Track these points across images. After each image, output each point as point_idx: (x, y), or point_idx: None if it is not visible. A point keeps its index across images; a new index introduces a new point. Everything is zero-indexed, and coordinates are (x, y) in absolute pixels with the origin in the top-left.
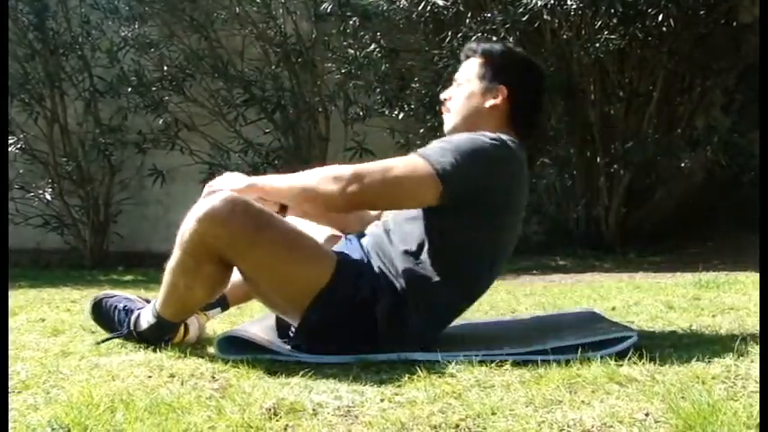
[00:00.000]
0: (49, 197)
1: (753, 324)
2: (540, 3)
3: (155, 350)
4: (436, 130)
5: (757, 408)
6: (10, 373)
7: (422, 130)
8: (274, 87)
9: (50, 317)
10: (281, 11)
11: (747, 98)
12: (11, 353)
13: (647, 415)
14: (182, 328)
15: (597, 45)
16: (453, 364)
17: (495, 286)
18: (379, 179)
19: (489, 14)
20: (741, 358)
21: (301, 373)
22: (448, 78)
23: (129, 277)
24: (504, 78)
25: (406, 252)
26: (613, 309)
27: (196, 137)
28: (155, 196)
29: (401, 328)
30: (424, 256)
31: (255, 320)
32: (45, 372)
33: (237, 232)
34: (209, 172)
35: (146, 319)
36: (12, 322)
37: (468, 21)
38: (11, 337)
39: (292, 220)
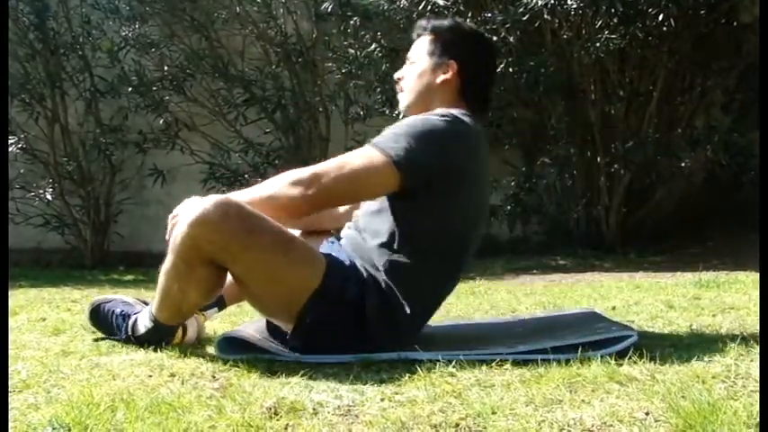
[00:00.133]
0: (49, 197)
1: (753, 323)
2: (540, 2)
3: (155, 350)
4: None
5: (757, 407)
6: (10, 372)
7: None
8: (275, 87)
9: (51, 316)
10: (281, 11)
11: (747, 98)
12: (11, 352)
13: (647, 414)
14: (180, 330)
15: (597, 45)
16: (453, 363)
17: (496, 286)
18: (337, 177)
19: (489, 14)
20: (741, 357)
21: (302, 372)
22: None
23: (129, 277)
24: (453, 53)
25: (381, 245)
26: (614, 308)
27: (196, 137)
28: (155, 196)
29: (393, 323)
30: (398, 245)
31: (255, 321)
32: (46, 371)
33: (230, 236)
34: (209, 172)
35: (143, 323)
36: (12, 322)
37: (468, 20)
38: (11, 337)
39: None
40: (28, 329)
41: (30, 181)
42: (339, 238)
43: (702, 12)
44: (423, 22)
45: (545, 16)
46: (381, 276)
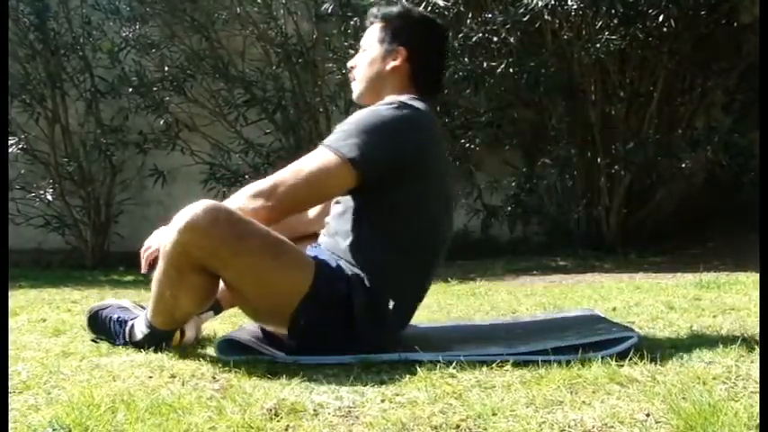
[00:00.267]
0: (50, 197)
1: (753, 324)
2: (540, 3)
3: (155, 351)
4: None
5: (758, 408)
6: (11, 373)
7: None
8: (275, 88)
9: (51, 317)
10: (281, 11)
11: (748, 98)
12: (12, 353)
13: (647, 415)
14: (177, 332)
15: (598, 45)
16: (454, 364)
17: (496, 287)
18: (295, 184)
19: (490, 15)
20: (742, 359)
21: (302, 373)
22: (448, 79)
23: (129, 277)
24: (402, 39)
25: (355, 245)
26: (614, 309)
27: (197, 137)
28: (156, 197)
29: (379, 319)
30: (370, 240)
31: (252, 324)
32: (46, 372)
33: (220, 241)
34: (209, 172)
35: (139, 329)
36: (12, 322)
37: (468, 21)
38: (12, 338)
39: None
40: (28, 330)
41: (30, 181)
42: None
43: (703, 12)
44: (374, 10)
45: (545, 17)
46: (363, 274)
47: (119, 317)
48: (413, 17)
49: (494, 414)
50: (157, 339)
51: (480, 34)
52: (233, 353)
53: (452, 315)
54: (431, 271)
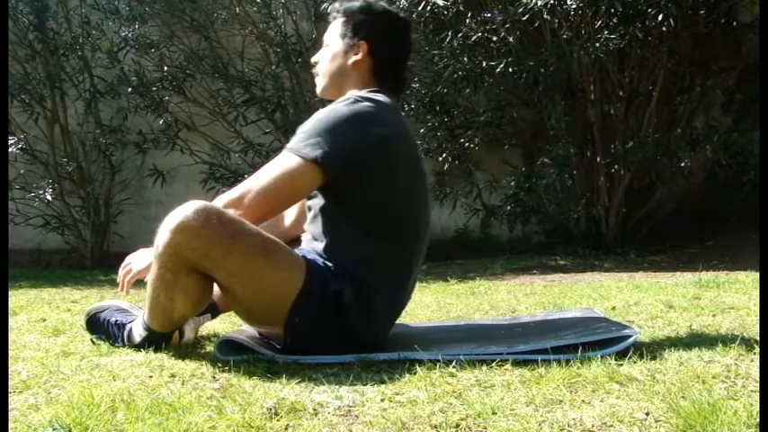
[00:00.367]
0: (49, 197)
1: (753, 323)
2: (539, 2)
3: (155, 350)
4: (437, 130)
5: (757, 407)
6: (11, 372)
7: (422, 130)
8: (274, 87)
9: (51, 317)
10: (281, 11)
11: (747, 98)
12: (12, 353)
13: (647, 414)
14: (176, 333)
15: (597, 45)
16: (454, 363)
17: (496, 286)
18: (263, 190)
19: (489, 14)
20: (741, 358)
21: (302, 372)
22: (447, 78)
23: None
24: (364, 34)
25: (333, 243)
26: (614, 308)
27: (196, 137)
28: (155, 196)
29: (368, 309)
30: (347, 235)
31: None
32: (46, 372)
33: (213, 241)
34: (209, 172)
35: (137, 332)
36: (12, 322)
37: (468, 21)
38: (12, 337)
39: None
40: (28, 330)
41: (30, 181)
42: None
43: (702, 12)
44: (336, 5)
45: (545, 16)
46: (348, 268)
47: (117, 320)
48: (374, 11)
49: (493, 413)
50: (155, 342)
51: (480, 34)
52: (233, 353)
53: (452, 314)
54: (414, 255)
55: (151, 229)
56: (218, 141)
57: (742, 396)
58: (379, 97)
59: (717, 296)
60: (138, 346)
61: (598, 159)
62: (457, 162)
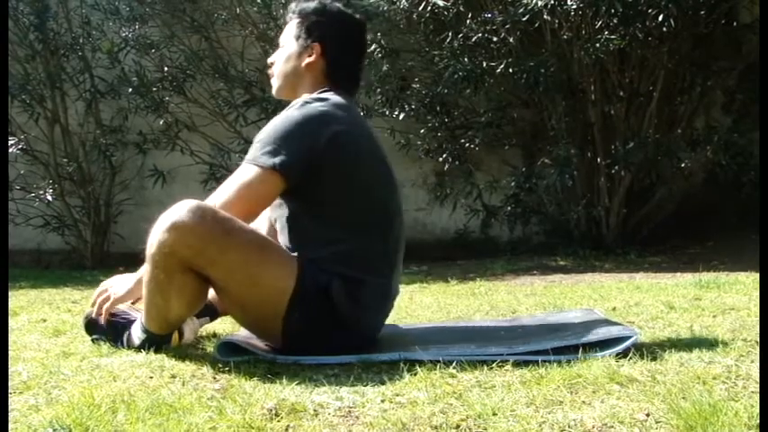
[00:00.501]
0: (49, 198)
1: (753, 324)
2: (540, 3)
3: (156, 351)
4: (437, 130)
5: (758, 408)
6: (11, 373)
7: (422, 131)
8: None
9: (51, 317)
10: (281, 11)
11: (748, 98)
12: (12, 353)
13: (647, 415)
14: (176, 334)
15: (597, 45)
16: (454, 364)
17: (496, 287)
18: (229, 202)
19: (489, 14)
20: (742, 358)
21: (302, 373)
22: (448, 79)
23: None
24: (317, 35)
25: (309, 244)
26: (614, 309)
27: (197, 137)
28: (155, 197)
29: (355, 300)
30: (320, 236)
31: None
32: (46, 372)
33: (208, 238)
34: (209, 172)
35: (136, 335)
36: (13, 323)
37: (468, 21)
38: (12, 338)
39: None
40: (28, 330)
41: (30, 182)
42: None
43: (702, 12)
44: (292, 6)
45: (545, 17)
46: (327, 266)
47: (115, 323)
48: (329, 12)
49: (494, 414)
50: (155, 344)
51: (480, 34)
52: (233, 354)
53: (452, 315)
54: (390, 242)
55: (152, 229)
56: (219, 142)
57: (742, 397)
58: (330, 96)
59: (717, 297)
60: (137, 349)
61: (598, 160)
62: (457, 162)
